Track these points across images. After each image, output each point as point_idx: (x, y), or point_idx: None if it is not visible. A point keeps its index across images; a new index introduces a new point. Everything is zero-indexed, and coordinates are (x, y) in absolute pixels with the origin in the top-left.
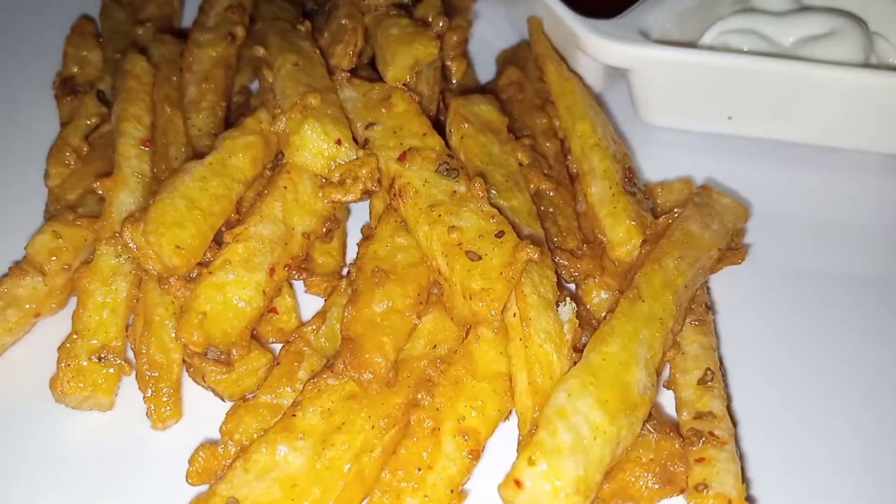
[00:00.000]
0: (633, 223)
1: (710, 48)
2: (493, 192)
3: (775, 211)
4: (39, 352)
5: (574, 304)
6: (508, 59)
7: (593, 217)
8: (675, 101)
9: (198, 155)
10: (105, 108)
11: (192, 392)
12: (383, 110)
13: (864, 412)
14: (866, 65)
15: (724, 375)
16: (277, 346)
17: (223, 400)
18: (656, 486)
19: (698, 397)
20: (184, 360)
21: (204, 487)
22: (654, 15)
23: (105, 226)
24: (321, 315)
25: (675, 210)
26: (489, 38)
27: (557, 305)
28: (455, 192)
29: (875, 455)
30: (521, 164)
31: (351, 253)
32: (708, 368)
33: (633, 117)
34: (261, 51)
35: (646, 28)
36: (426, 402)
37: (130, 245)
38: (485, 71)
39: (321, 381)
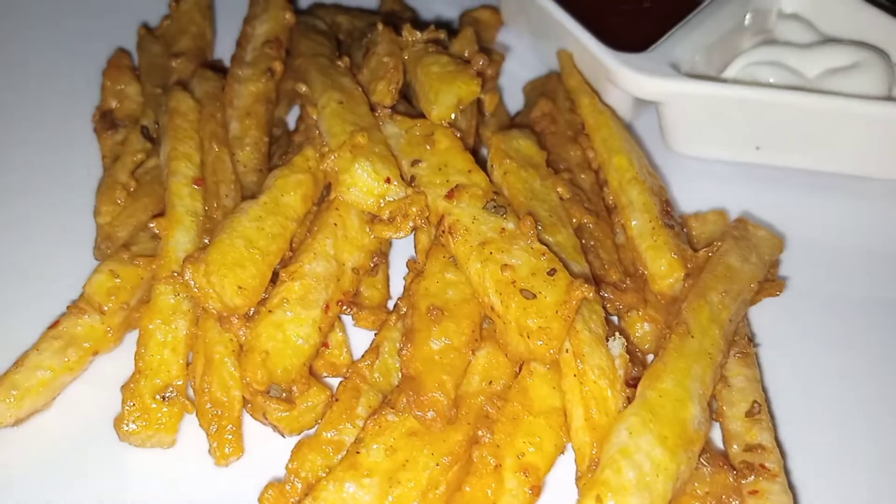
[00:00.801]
0: (675, 256)
1: (736, 80)
2: (539, 227)
3: (804, 238)
4: (96, 388)
5: (623, 339)
6: (537, 90)
7: (633, 250)
8: (704, 132)
9: (246, 191)
10: (149, 144)
11: (250, 427)
12: (427, 147)
13: None
14: (889, 97)
15: (769, 406)
16: (330, 380)
17: (283, 436)
18: None
19: (747, 430)
20: (243, 398)
21: None
22: (682, 48)
23: (163, 265)
24: (374, 350)
25: (716, 243)
26: (513, 68)
27: (607, 340)
28: (504, 229)
29: None
30: (561, 198)
31: (394, 285)
32: (755, 401)
33: (658, 146)
34: (303, 87)
35: (676, 61)
36: (487, 439)
37: (191, 285)
38: (509, 101)
39: (381, 417)
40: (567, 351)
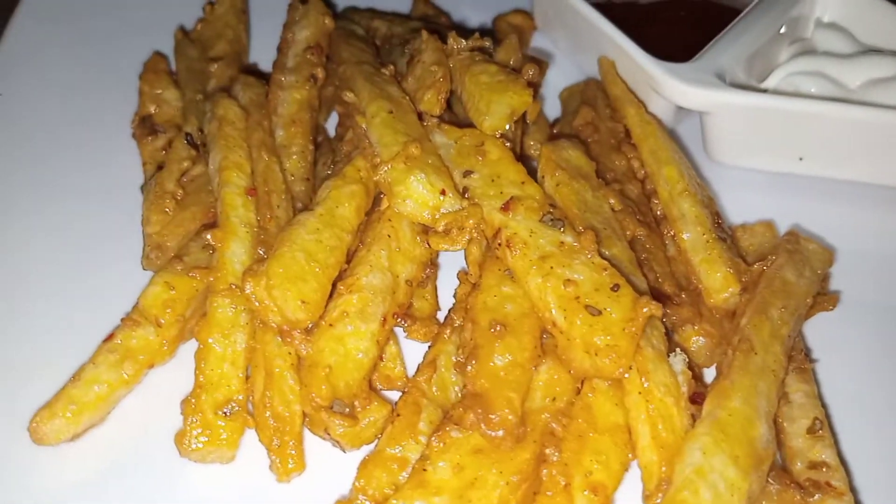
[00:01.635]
0: (729, 270)
1: (778, 90)
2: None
3: (849, 250)
4: (149, 400)
5: (685, 355)
6: (574, 97)
7: (686, 262)
8: (748, 143)
9: (294, 201)
10: (194, 151)
11: (308, 441)
12: (479, 158)
13: None
14: None
15: (829, 422)
16: (385, 394)
17: (343, 451)
18: None
19: (809, 447)
20: (303, 412)
21: None
22: (727, 58)
23: (219, 277)
24: (431, 364)
25: (770, 257)
26: (547, 74)
27: (668, 356)
28: (563, 243)
29: None
30: (613, 210)
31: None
32: (816, 417)
33: (697, 154)
34: (350, 95)
35: (721, 71)
36: (555, 458)
37: (252, 298)
38: (544, 108)
39: (445, 434)
40: (630, 368)
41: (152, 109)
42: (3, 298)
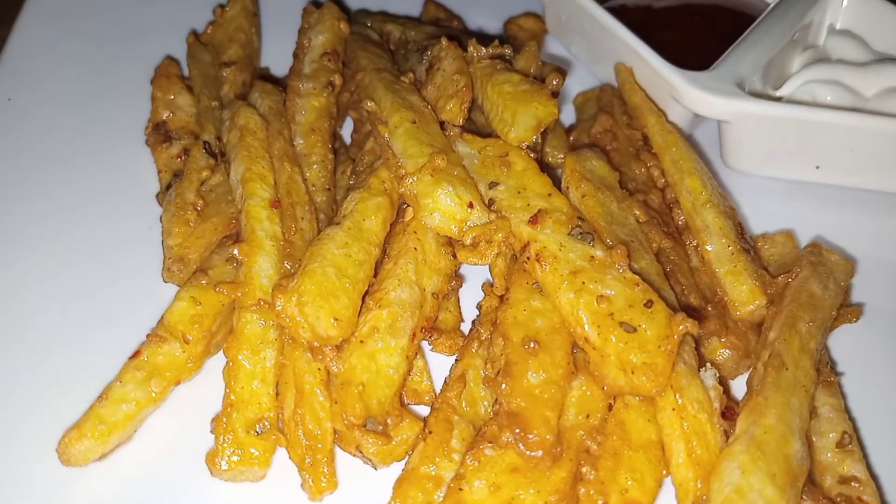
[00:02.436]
0: (755, 283)
1: (794, 97)
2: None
3: (866, 256)
4: (174, 416)
5: (715, 370)
6: (589, 103)
7: (710, 274)
8: (767, 151)
9: (318, 212)
10: (212, 160)
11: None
12: (504, 169)
13: None
14: None
15: (857, 436)
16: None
17: (375, 468)
18: None
19: (839, 461)
20: (334, 429)
21: None
22: (745, 66)
23: (247, 292)
24: (460, 380)
25: (795, 269)
26: None
27: (699, 370)
28: (593, 257)
29: None
30: (638, 221)
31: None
32: (844, 431)
33: (713, 161)
34: (370, 104)
35: (740, 79)
36: (591, 476)
37: (282, 315)
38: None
39: (479, 452)
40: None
41: (165, 116)
42: (21, 311)
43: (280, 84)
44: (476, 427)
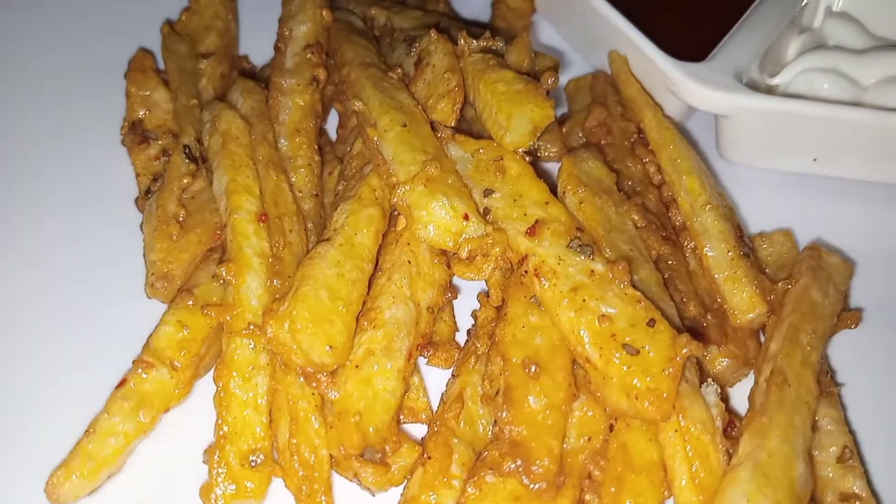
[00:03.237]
0: (756, 290)
1: (792, 86)
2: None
3: (863, 249)
4: (162, 443)
5: (717, 385)
6: (582, 91)
7: (710, 279)
8: (763, 144)
9: (305, 220)
10: (193, 165)
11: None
12: (498, 174)
13: None
14: None
15: (858, 450)
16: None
17: (373, 495)
18: None
19: (840, 477)
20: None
21: None
22: (743, 56)
23: (236, 316)
24: (458, 399)
25: (794, 273)
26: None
27: (700, 385)
28: (593, 271)
29: None
30: (636, 226)
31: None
32: (845, 446)
33: (707, 152)
34: (358, 104)
35: (738, 71)
36: (595, 503)
37: (274, 343)
38: None
39: (480, 479)
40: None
41: (141, 114)
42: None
43: (259, 77)
44: (475, 449)
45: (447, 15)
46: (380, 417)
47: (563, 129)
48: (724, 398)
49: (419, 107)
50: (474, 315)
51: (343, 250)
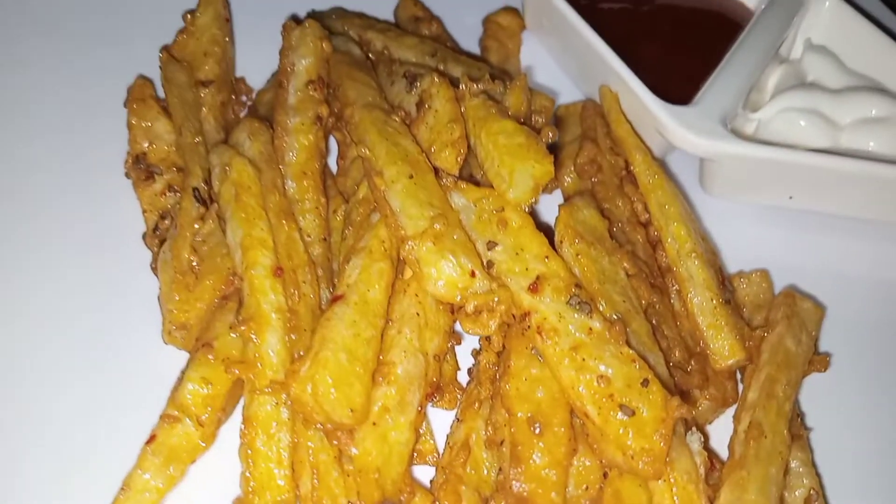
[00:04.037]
0: (736, 339)
1: (770, 122)
2: (616, 316)
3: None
4: (191, 494)
5: (700, 434)
6: (572, 117)
7: (693, 324)
8: (745, 182)
9: (315, 266)
10: (202, 207)
11: None
12: (500, 227)
13: None
14: None
15: (823, 492)
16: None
17: None
18: None
19: None
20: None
21: None
22: (728, 98)
23: (259, 373)
24: (465, 447)
25: (771, 321)
26: (539, 79)
27: (686, 434)
28: (591, 329)
29: None
30: (627, 274)
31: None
32: (812, 488)
33: (686, 183)
34: (364, 151)
35: (724, 114)
36: None
37: (297, 403)
38: None
39: None
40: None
41: (145, 146)
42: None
43: (258, 102)
44: (480, 493)
45: (440, 39)
46: (396, 470)
47: (556, 160)
48: (703, 437)
49: (423, 154)
50: (474, 354)
51: (358, 309)
